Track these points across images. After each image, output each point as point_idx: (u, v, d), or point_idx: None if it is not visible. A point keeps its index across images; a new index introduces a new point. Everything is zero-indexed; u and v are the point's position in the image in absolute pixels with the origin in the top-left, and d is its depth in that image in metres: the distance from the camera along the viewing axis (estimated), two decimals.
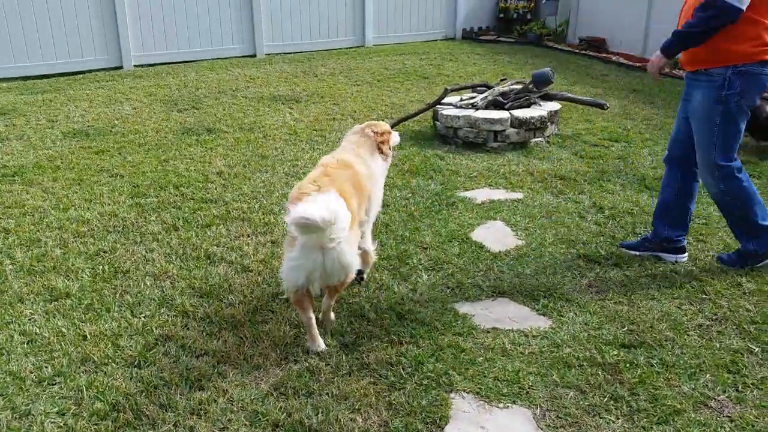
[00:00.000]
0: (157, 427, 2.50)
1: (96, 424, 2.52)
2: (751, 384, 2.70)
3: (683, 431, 2.44)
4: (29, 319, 3.23)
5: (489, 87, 6.66)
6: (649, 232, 3.90)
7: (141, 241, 4.09)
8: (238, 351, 2.96)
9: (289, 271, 2.79)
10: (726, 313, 3.22)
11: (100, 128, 6.65)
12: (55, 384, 2.76)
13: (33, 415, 2.57)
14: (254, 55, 11.07)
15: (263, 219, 4.39)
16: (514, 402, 2.63)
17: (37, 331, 3.11)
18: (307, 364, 2.86)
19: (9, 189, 4.96)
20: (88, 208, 4.58)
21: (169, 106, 7.65)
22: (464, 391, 2.69)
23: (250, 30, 11.06)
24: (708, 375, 2.76)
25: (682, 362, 2.84)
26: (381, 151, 3.48)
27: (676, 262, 3.76)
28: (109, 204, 4.67)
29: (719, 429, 2.45)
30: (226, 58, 10.75)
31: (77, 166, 5.49)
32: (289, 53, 11.34)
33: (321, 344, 2.96)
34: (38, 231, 4.22)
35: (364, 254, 3.31)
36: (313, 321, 2.94)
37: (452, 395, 2.67)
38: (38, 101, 7.82)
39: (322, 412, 2.56)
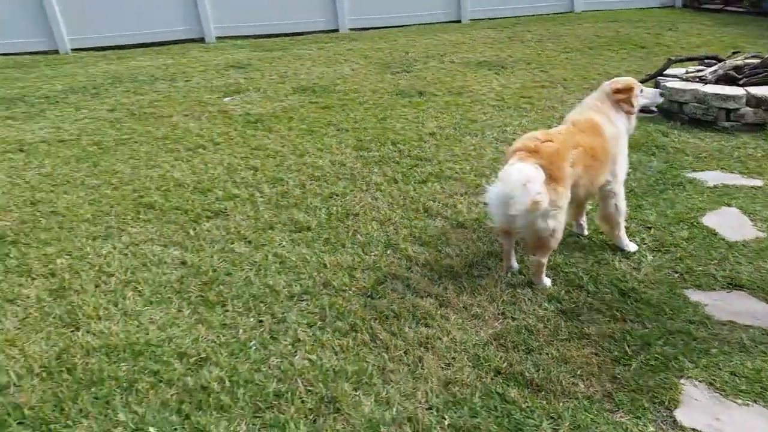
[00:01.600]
0: (389, 351, 2.75)
1: (339, 339, 2.84)
2: None
3: None
4: (279, 245, 3.69)
5: (719, 60, 6.03)
6: None
7: (367, 189, 4.43)
8: (458, 299, 3.10)
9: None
10: None
11: (324, 86, 7.23)
12: (303, 300, 3.15)
13: (287, 323, 2.97)
14: (459, 21, 11.13)
15: (474, 181, 4.48)
16: (754, 401, 2.45)
17: (286, 255, 3.56)
18: (525, 322, 2.92)
19: (253, 133, 5.66)
20: (320, 156, 5.06)
21: (383, 68, 8.02)
22: (696, 379, 2.56)
23: None
24: None
25: None
26: (623, 110, 3.43)
27: None
28: (337, 154, 5.10)
29: None
30: (431, 24, 10.95)
31: (307, 119, 6.05)
32: (494, 18, 11.22)
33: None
34: (280, 171, 4.77)
35: (609, 215, 3.45)
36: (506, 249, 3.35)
37: (683, 381, 2.55)
38: (268, 58, 8.67)
39: (543, 370, 2.60)
